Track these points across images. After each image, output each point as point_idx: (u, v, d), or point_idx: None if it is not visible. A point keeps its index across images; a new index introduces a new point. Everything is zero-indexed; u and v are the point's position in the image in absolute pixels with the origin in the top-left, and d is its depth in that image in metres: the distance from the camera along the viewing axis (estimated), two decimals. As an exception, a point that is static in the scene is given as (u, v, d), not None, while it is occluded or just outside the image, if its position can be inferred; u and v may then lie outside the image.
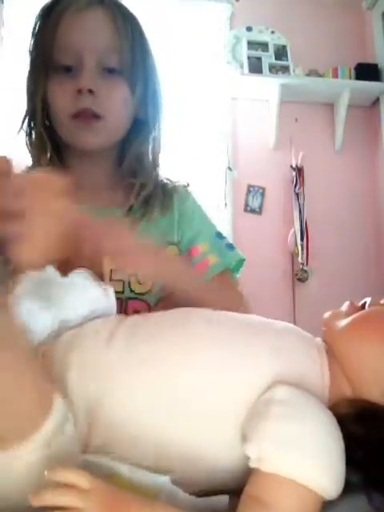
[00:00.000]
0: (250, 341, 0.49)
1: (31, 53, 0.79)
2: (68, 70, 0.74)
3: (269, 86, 2.70)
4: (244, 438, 0.43)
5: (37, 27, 0.78)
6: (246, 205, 2.73)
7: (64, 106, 0.74)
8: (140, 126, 0.82)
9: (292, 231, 2.65)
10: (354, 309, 0.52)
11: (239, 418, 0.44)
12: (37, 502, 0.36)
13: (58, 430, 0.41)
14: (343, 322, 0.50)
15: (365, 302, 0.53)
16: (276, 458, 0.40)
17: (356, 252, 2.76)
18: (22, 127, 0.81)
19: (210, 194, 2.54)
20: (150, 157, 0.83)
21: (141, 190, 0.80)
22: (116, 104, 0.77)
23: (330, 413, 0.43)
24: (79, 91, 0.73)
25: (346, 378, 0.48)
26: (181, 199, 0.84)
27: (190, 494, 0.43)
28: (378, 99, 2.84)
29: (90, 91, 0.73)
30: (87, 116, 0.74)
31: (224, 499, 0.43)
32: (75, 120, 0.75)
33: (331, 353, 0.49)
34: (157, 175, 0.84)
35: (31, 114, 0.80)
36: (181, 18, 2.67)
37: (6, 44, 2.52)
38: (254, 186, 2.74)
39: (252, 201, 2.73)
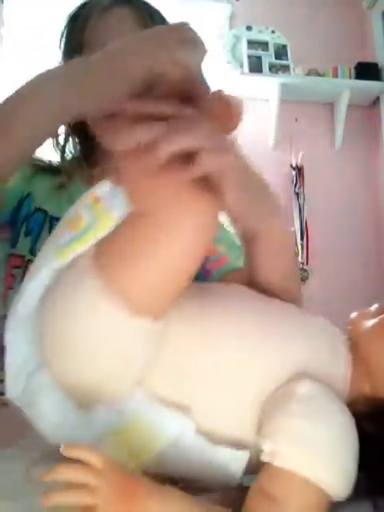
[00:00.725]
0: (285, 327, 0.49)
1: (63, 58, 0.79)
2: None
3: (269, 86, 2.70)
4: (260, 429, 0.43)
5: (65, 32, 0.79)
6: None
7: None
8: None
9: (292, 231, 2.65)
10: (382, 310, 0.53)
11: (260, 400, 0.44)
12: (49, 477, 0.36)
13: None
14: (371, 322, 0.51)
15: None
16: (290, 454, 0.40)
17: (356, 251, 2.76)
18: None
19: (210, 193, 2.54)
20: None
21: None
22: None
23: (349, 414, 0.43)
24: None
25: (366, 377, 0.48)
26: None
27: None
28: (378, 99, 2.84)
29: None
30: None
31: (243, 456, 0.43)
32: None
33: (354, 350, 0.50)
34: None
35: None
36: (180, 18, 2.66)
37: (5, 44, 2.52)
38: (253, 186, 2.73)
39: (252, 200, 2.73)
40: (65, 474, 0.37)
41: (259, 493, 0.40)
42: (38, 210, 0.77)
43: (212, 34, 2.79)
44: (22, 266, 0.76)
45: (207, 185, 0.43)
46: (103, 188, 0.46)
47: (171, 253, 0.42)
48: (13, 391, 0.47)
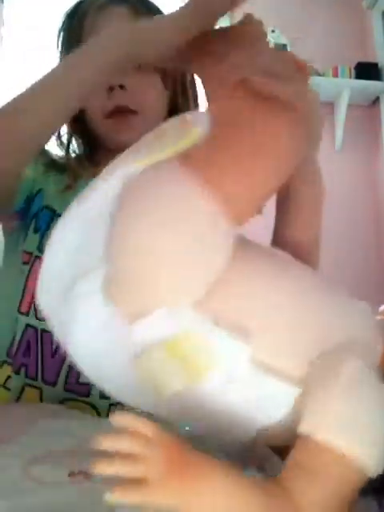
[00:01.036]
0: (340, 296, 0.50)
1: (60, 57, 0.79)
2: None
3: (269, 85, 2.70)
4: (301, 403, 0.42)
5: (62, 34, 0.78)
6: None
7: (98, 106, 0.74)
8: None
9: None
10: None
11: (311, 353, 0.43)
12: (99, 446, 0.34)
13: None
14: None
15: None
16: (334, 431, 0.39)
17: (356, 251, 2.76)
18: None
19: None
20: None
21: None
22: (150, 98, 0.76)
23: None
24: (110, 89, 0.72)
25: None
26: None
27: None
28: (378, 98, 2.84)
29: (122, 87, 0.72)
30: (123, 113, 0.74)
31: (294, 392, 0.42)
32: (112, 119, 0.74)
33: None
34: None
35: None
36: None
37: (5, 44, 2.52)
38: (254, 186, 2.74)
39: (252, 200, 2.73)
40: (111, 443, 0.34)
41: (297, 468, 0.39)
42: (46, 207, 0.76)
43: (212, 33, 2.79)
44: (29, 262, 0.75)
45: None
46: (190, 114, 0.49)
47: (270, 155, 0.44)
48: (43, 299, 0.46)
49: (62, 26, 0.79)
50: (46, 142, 0.68)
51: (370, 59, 2.86)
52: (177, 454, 0.36)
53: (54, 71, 0.60)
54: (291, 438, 0.41)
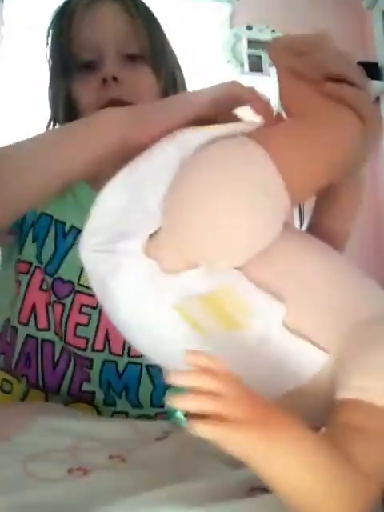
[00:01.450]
0: (371, 281, 0.51)
1: (50, 59, 0.79)
2: (90, 66, 0.74)
3: (269, 85, 2.69)
4: (342, 369, 0.41)
5: (52, 30, 0.78)
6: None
7: (92, 100, 0.73)
8: None
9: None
10: None
11: (347, 324, 0.44)
12: (175, 381, 0.33)
13: None
14: None
15: None
16: (382, 390, 0.39)
17: (355, 251, 2.75)
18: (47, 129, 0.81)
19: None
20: None
21: None
22: (143, 90, 0.76)
23: None
24: (104, 81, 0.71)
25: None
26: None
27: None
28: (378, 98, 2.84)
29: (115, 79, 0.71)
30: (117, 105, 0.73)
31: (324, 357, 0.43)
32: None
33: None
34: None
35: (55, 115, 0.79)
36: (180, 17, 2.66)
37: (5, 43, 2.52)
38: (254, 185, 2.74)
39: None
40: (190, 378, 0.33)
41: (353, 431, 0.38)
42: (43, 214, 0.76)
43: (212, 33, 2.79)
44: (28, 272, 0.75)
45: None
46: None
47: (330, 146, 0.47)
48: (85, 255, 0.49)
49: (51, 24, 0.78)
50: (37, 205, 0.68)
51: (370, 59, 2.86)
52: (260, 400, 0.34)
53: (43, 144, 0.57)
54: (318, 406, 0.42)
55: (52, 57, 0.79)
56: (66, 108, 0.77)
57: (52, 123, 0.81)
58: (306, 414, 0.41)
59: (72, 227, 0.75)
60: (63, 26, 0.75)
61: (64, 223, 0.75)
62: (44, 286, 0.74)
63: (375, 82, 2.78)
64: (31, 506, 0.38)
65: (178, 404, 0.32)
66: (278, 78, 0.53)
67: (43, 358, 0.74)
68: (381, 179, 2.83)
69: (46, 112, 0.83)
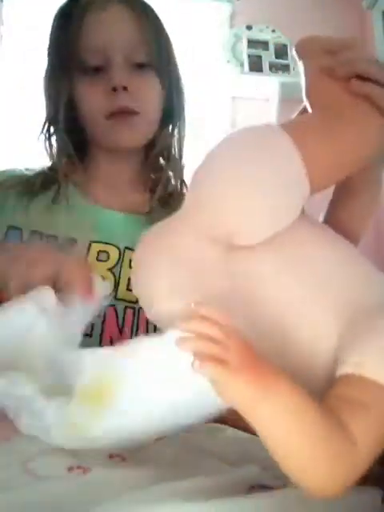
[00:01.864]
0: (377, 272, 0.55)
1: (51, 56, 0.78)
2: (96, 70, 0.73)
3: (269, 85, 2.70)
4: (342, 347, 0.43)
5: (56, 30, 0.77)
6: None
7: (99, 106, 0.74)
8: (166, 117, 0.82)
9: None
10: None
11: (340, 322, 0.45)
12: (182, 327, 0.36)
13: None
14: None
15: None
16: (380, 365, 0.40)
17: (356, 251, 2.76)
18: (42, 132, 0.80)
19: (210, 192, 2.54)
20: (176, 147, 0.84)
21: (167, 184, 0.80)
22: (150, 98, 0.77)
23: None
24: (114, 89, 0.72)
25: None
26: None
27: None
28: (378, 98, 2.84)
29: (125, 88, 0.72)
30: (125, 113, 0.74)
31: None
32: (112, 119, 0.74)
33: None
34: (182, 167, 0.84)
35: (53, 117, 0.79)
36: (180, 17, 2.66)
37: (5, 43, 2.52)
38: (254, 185, 2.74)
39: (252, 200, 2.73)
40: (195, 325, 0.36)
41: (345, 402, 0.39)
42: (11, 227, 0.75)
43: (212, 33, 2.79)
44: None
45: None
46: None
47: (352, 139, 0.50)
48: None
49: (56, 21, 0.78)
50: None
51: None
52: (252, 353, 0.37)
53: None
54: (323, 389, 0.42)
55: (53, 55, 0.78)
56: (66, 110, 0.76)
57: (49, 125, 0.80)
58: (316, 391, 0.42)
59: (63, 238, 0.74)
60: (71, 27, 0.74)
61: (56, 237, 0.74)
62: None
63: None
64: (31, 504, 0.38)
65: (184, 345, 0.35)
66: (306, 74, 0.55)
67: None
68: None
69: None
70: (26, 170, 0.81)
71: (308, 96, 0.55)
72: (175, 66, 0.82)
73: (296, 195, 0.48)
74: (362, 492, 0.42)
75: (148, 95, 0.77)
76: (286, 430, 0.36)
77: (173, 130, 0.84)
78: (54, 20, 0.78)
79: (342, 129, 0.50)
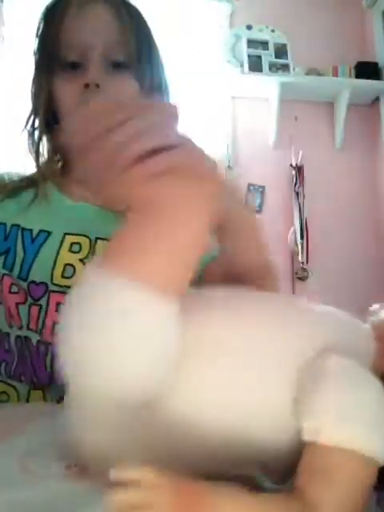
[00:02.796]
0: (296, 315, 0.50)
1: (35, 54, 0.79)
2: (74, 66, 0.74)
3: (269, 85, 2.70)
4: (297, 410, 0.42)
5: (40, 28, 0.78)
6: (246, 203, 2.74)
7: (71, 102, 0.74)
8: None
9: (292, 230, 2.65)
10: None
11: (291, 389, 0.43)
12: (109, 504, 0.34)
13: None
14: None
15: None
16: (335, 429, 0.39)
17: (356, 251, 2.76)
18: (25, 127, 0.81)
19: (210, 192, 2.54)
20: None
21: None
22: (123, 98, 0.76)
23: (379, 381, 0.43)
24: (86, 86, 0.72)
25: None
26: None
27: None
28: (378, 98, 2.84)
29: (97, 86, 0.72)
30: None
31: None
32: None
33: (379, 339, 0.50)
34: None
35: (35, 113, 0.80)
36: (180, 17, 2.67)
37: (6, 43, 2.52)
38: (253, 185, 2.74)
39: (252, 199, 2.73)
40: (122, 497, 0.34)
41: (310, 471, 0.39)
42: (13, 225, 0.77)
43: (212, 33, 2.79)
44: None
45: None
46: None
47: (178, 242, 0.41)
48: None
49: (41, 18, 0.78)
50: None
51: (370, 59, 2.86)
52: (187, 494, 0.36)
53: None
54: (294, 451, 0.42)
55: (37, 53, 0.79)
56: (45, 104, 0.77)
57: (32, 117, 0.80)
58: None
59: (40, 231, 0.76)
60: (53, 23, 0.74)
61: (31, 230, 0.76)
62: (13, 289, 0.75)
63: (375, 82, 2.78)
64: (29, 502, 0.38)
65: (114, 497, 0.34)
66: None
67: (32, 355, 0.75)
68: (381, 179, 2.83)
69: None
70: (15, 174, 0.83)
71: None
72: (157, 66, 0.81)
73: (160, 332, 0.41)
74: None
75: (123, 94, 0.75)
76: None
77: None
78: (40, 20, 0.78)
79: (171, 236, 0.41)
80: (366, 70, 2.79)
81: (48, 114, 0.77)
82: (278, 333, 0.46)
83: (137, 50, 0.76)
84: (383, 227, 2.80)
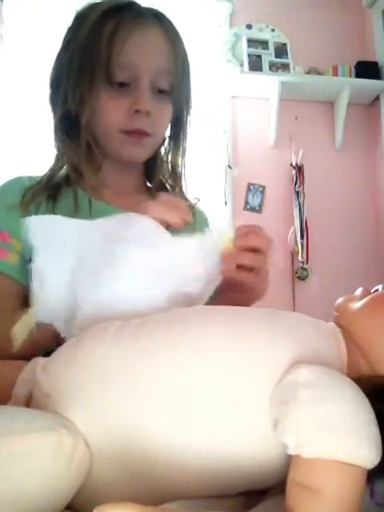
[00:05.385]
0: (265, 327, 0.49)
1: (72, 58, 0.76)
2: (121, 85, 0.75)
3: (269, 84, 2.70)
4: (276, 427, 0.42)
5: (85, 36, 0.75)
6: (246, 203, 2.73)
7: (117, 120, 0.76)
8: (171, 136, 0.88)
9: (292, 230, 2.65)
10: (367, 293, 0.54)
11: (265, 405, 0.43)
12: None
13: None
14: (358, 304, 0.52)
15: (377, 289, 0.56)
16: (315, 442, 0.39)
17: (356, 250, 2.76)
18: (56, 134, 0.80)
19: (210, 192, 2.54)
20: (180, 162, 0.90)
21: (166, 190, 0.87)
22: (165, 123, 0.82)
23: (354, 383, 0.43)
24: (137, 111, 0.75)
25: (362, 357, 0.48)
26: (200, 215, 0.92)
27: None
28: (378, 97, 2.84)
29: (148, 113, 0.76)
30: (140, 134, 0.78)
31: None
32: (126, 135, 0.77)
33: (345, 334, 0.50)
34: (181, 176, 0.91)
35: (76, 124, 0.78)
36: (180, 16, 2.66)
37: (5, 43, 2.52)
38: (253, 185, 2.74)
39: (252, 199, 2.73)
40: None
41: (297, 488, 0.39)
42: None
43: (212, 32, 2.79)
44: None
45: None
46: None
47: None
48: None
49: (82, 24, 0.76)
50: None
51: (370, 58, 2.86)
52: None
53: None
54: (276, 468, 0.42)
55: (75, 58, 0.76)
56: (89, 118, 0.77)
57: (66, 130, 0.80)
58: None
59: None
60: (105, 37, 0.73)
61: None
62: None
63: (375, 82, 2.78)
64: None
65: None
66: None
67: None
68: (381, 179, 2.83)
69: (46, 112, 0.82)
70: (30, 178, 0.82)
71: None
72: (189, 92, 0.87)
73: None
74: None
75: (163, 120, 0.81)
76: None
77: (179, 149, 0.89)
78: (77, 24, 0.77)
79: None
80: (366, 69, 2.79)
81: (90, 126, 0.77)
82: (246, 358, 0.46)
83: (179, 80, 0.80)
84: (383, 227, 2.80)
